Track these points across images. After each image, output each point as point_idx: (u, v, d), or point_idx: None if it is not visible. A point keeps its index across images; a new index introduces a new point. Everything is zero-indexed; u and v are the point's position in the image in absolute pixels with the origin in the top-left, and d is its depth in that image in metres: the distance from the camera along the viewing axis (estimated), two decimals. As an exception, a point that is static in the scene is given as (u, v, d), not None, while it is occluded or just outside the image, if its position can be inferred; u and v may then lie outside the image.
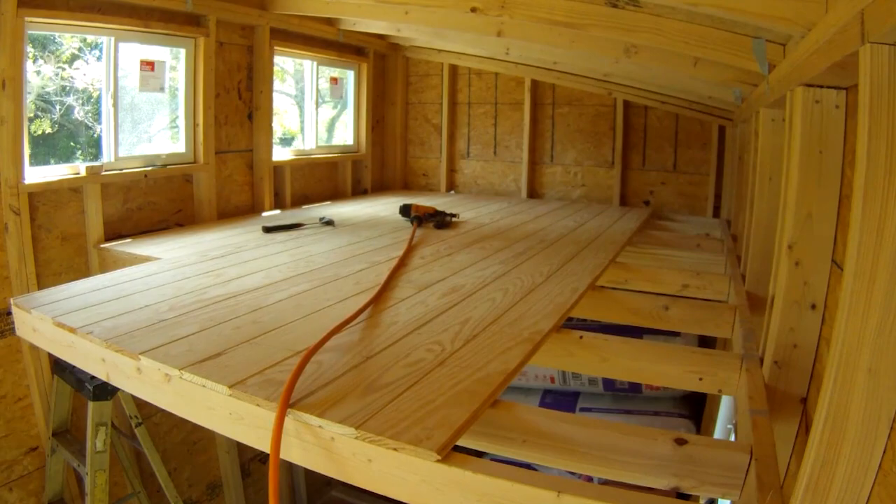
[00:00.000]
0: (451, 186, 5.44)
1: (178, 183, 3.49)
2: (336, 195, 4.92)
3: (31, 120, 2.91)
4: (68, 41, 3.19)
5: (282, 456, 1.20)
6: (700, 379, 1.85)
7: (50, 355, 2.57)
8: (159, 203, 3.37)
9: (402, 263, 2.51)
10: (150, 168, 3.27)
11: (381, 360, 1.49)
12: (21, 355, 2.62)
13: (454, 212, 3.82)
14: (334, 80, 4.98)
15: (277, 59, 4.17)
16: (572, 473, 2.48)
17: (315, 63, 4.60)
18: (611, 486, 1.35)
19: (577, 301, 2.07)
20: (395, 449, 1.11)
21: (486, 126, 5.27)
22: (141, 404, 2.55)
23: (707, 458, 1.27)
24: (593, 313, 2.40)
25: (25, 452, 2.67)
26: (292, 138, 4.88)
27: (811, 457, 0.99)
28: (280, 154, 4.32)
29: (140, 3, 3.04)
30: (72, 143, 3.32)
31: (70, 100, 3.22)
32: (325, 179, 4.86)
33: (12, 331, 2.04)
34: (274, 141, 4.10)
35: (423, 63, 5.39)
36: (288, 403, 1.22)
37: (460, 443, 1.21)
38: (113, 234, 3.05)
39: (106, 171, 3.00)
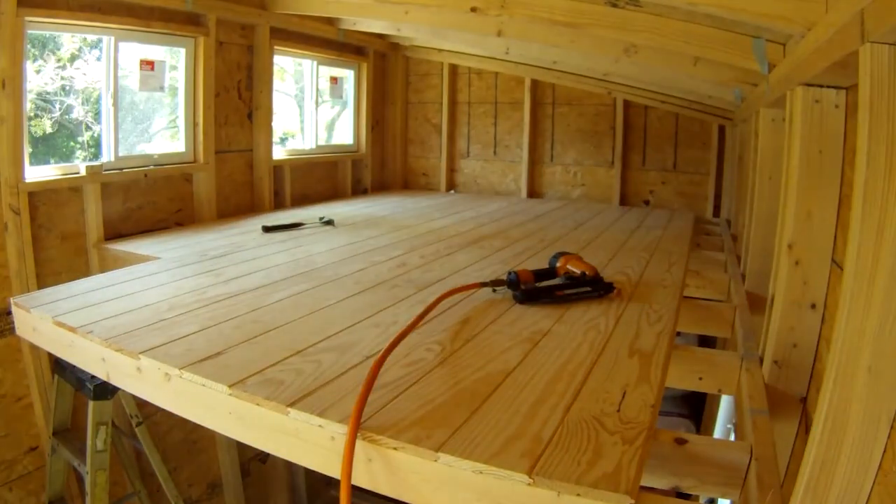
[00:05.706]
0: (451, 186, 5.44)
1: (177, 182, 3.49)
2: (336, 195, 4.92)
3: (30, 119, 2.91)
4: (68, 41, 3.19)
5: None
6: (700, 378, 1.85)
7: (50, 355, 2.57)
8: (159, 202, 3.37)
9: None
10: (149, 168, 3.27)
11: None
12: (21, 355, 2.62)
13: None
14: (334, 80, 4.97)
15: (277, 59, 4.16)
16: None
17: (315, 62, 4.59)
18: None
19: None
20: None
21: (486, 126, 5.26)
22: (141, 404, 2.55)
23: (707, 457, 1.28)
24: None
25: (25, 452, 2.67)
26: (291, 138, 4.88)
27: (811, 457, 0.98)
28: (280, 153, 4.32)
29: (140, 2, 3.04)
30: (72, 143, 3.32)
31: (70, 99, 3.22)
32: (325, 179, 4.86)
33: (12, 330, 2.04)
34: (274, 140, 4.10)
35: (423, 62, 5.39)
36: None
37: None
38: (113, 233, 3.05)
39: (106, 170, 3.00)
